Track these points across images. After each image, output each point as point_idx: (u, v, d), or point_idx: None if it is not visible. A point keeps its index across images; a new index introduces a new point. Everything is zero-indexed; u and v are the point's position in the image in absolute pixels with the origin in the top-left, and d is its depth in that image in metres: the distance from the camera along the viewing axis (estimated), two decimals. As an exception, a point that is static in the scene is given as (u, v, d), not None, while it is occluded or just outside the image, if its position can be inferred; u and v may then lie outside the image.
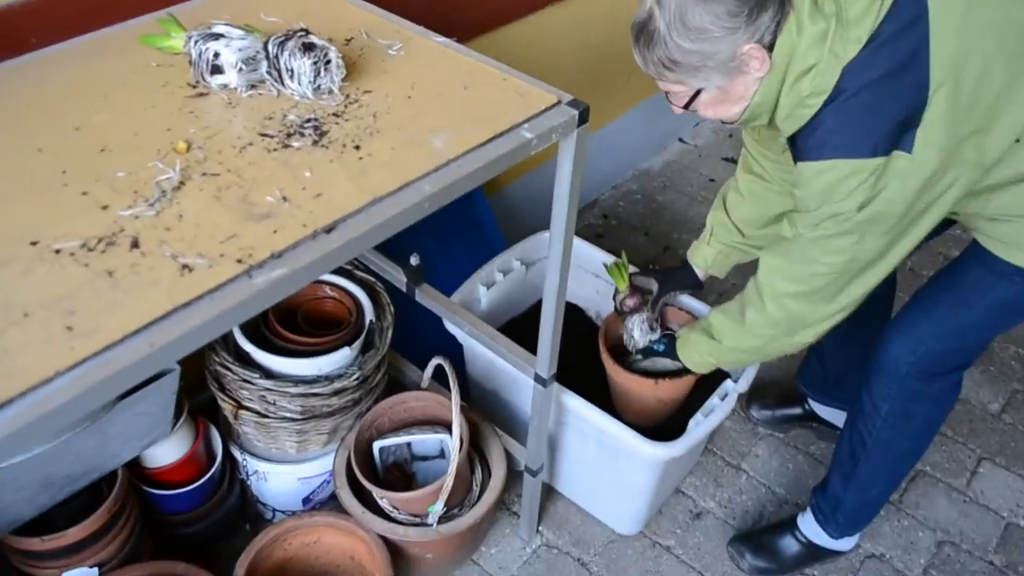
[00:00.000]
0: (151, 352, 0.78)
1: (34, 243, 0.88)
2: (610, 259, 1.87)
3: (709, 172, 2.95)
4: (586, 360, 1.86)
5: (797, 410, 2.11)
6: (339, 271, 1.72)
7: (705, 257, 1.75)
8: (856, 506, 1.71)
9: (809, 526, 1.79)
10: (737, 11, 1.14)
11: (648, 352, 1.73)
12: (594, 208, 2.79)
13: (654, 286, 1.78)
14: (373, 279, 1.72)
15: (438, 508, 1.54)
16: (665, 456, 1.61)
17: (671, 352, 1.66)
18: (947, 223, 1.48)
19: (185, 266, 0.86)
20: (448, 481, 1.50)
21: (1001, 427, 2.18)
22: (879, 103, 1.15)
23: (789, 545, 1.81)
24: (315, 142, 1.05)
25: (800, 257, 1.31)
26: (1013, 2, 1.19)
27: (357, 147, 1.04)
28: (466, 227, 2.13)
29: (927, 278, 1.54)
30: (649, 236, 2.68)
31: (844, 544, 1.81)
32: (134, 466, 1.55)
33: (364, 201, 0.95)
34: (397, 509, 1.59)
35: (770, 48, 1.17)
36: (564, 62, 2.32)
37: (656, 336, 1.73)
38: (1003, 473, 2.06)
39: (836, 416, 2.05)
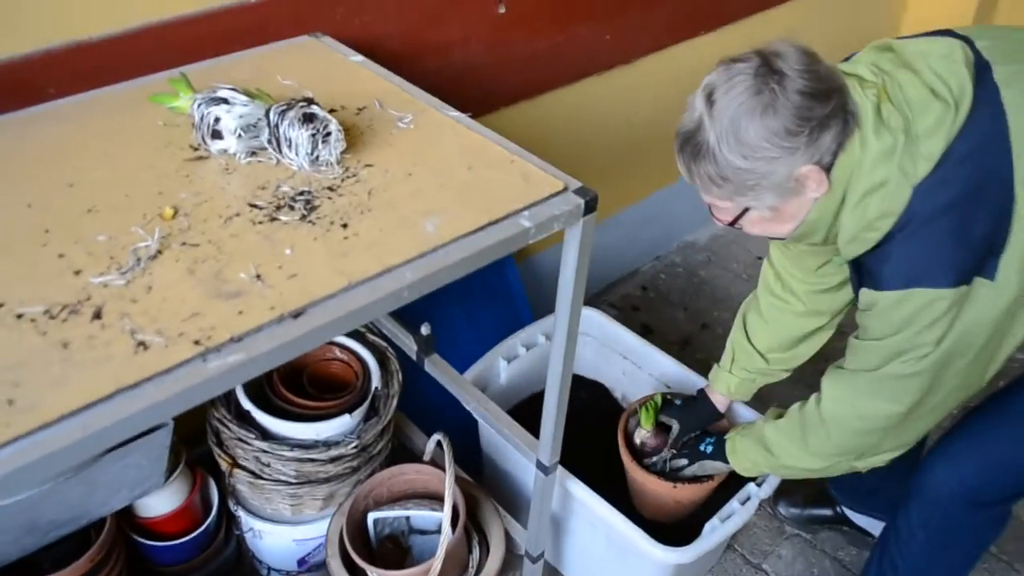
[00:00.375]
0: (83, 437, 0.75)
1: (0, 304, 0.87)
2: (648, 350, 1.79)
3: (757, 250, 2.86)
4: (609, 441, 1.78)
5: (828, 511, 1.98)
6: (351, 332, 1.68)
7: (728, 385, 1.66)
8: None
9: None
10: (797, 130, 1.05)
11: (694, 455, 1.63)
12: (635, 278, 2.72)
13: (675, 424, 1.69)
14: (385, 343, 1.69)
15: (426, 591, 1.47)
16: (675, 561, 1.51)
17: (719, 454, 1.58)
18: None
19: (141, 343, 0.83)
20: (436, 565, 1.44)
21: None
22: (960, 229, 1.06)
23: None
24: (303, 216, 1.02)
25: (870, 391, 1.22)
26: None
27: (344, 225, 1.01)
28: (493, 295, 2.08)
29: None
30: (688, 311, 2.59)
31: None
32: (126, 514, 1.53)
33: (339, 286, 0.92)
34: (386, 586, 1.53)
35: (828, 168, 1.09)
36: (608, 131, 2.28)
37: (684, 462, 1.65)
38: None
39: (870, 523, 1.92)
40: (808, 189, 1.11)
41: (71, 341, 0.83)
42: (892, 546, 1.51)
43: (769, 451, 1.44)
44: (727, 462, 1.55)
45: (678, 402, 1.71)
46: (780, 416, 1.45)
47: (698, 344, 2.47)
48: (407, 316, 1.68)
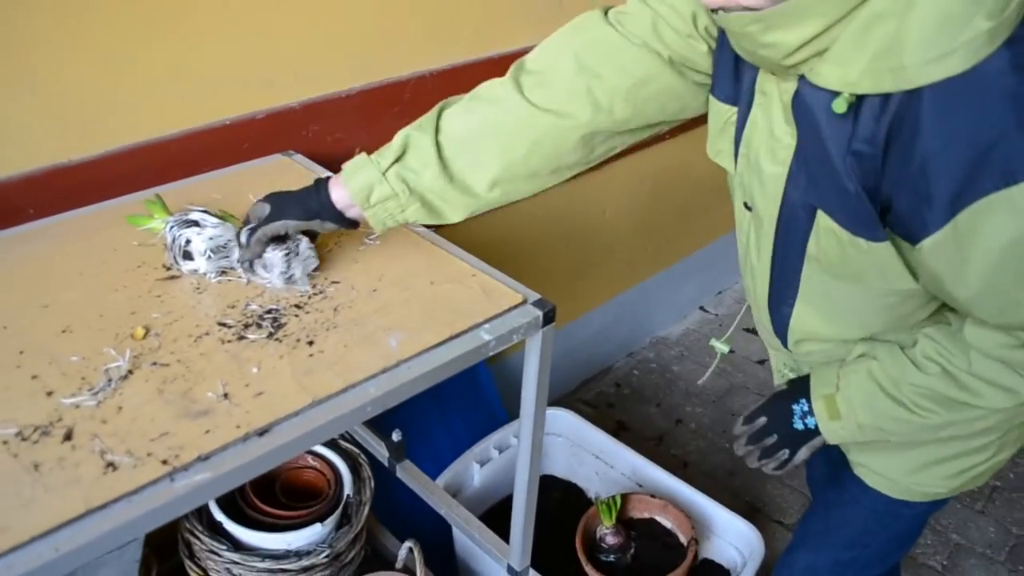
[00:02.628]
0: (55, 557, 0.77)
1: (-29, 429, 0.89)
2: (619, 449, 1.81)
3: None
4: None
5: None
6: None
7: (366, 188, 1.09)
8: None
9: None
10: None
11: (794, 437, 1.17)
12: (608, 375, 2.76)
13: (265, 211, 1.12)
14: (357, 450, 1.70)
15: None
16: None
17: (803, 389, 1.17)
18: None
19: (110, 464, 0.86)
20: (408, 676, 1.43)
21: None
22: None
23: None
24: (270, 334, 1.06)
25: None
26: None
27: (311, 343, 1.05)
28: (466, 397, 2.11)
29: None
30: (661, 408, 2.63)
31: None
32: (94, 634, 1.51)
33: (304, 403, 0.95)
34: None
35: None
36: (576, 232, 2.35)
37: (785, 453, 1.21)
38: None
39: None
40: None
41: (42, 463, 0.86)
42: None
43: (906, 407, 1.05)
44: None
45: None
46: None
47: (672, 440, 2.50)
48: (380, 421, 1.70)
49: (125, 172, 1.38)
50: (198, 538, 1.50)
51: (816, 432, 1.15)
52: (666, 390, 2.71)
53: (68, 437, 0.89)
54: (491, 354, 1.09)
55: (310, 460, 1.68)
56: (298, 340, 1.05)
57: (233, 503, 1.56)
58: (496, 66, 1.89)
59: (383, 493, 1.67)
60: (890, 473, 1.21)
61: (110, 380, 0.97)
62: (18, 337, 1.03)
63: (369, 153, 1.12)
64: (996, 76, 0.76)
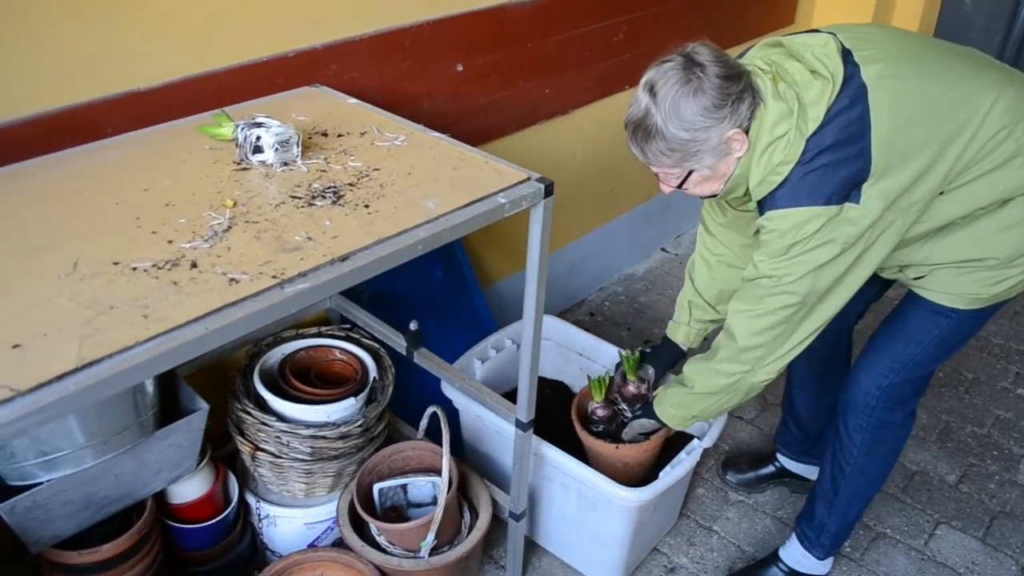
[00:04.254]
0: (206, 333, 1.04)
1: (116, 263, 1.15)
2: (600, 344, 2.13)
3: (688, 277, 3.24)
4: (571, 434, 2.07)
5: (770, 468, 2.33)
6: (347, 338, 1.98)
7: (687, 335, 1.99)
8: (838, 528, 1.95)
9: (792, 555, 2.01)
10: (721, 103, 1.39)
11: (627, 422, 1.94)
12: (582, 307, 3.06)
13: (651, 369, 1.99)
14: (377, 345, 1.98)
15: (429, 541, 1.73)
16: (637, 500, 1.80)
17: (649, 413, 1.87)
18: (886, 284, 1.79)
19: (232, 279, 1.13)
20: (438, 513, 1.70)
21: (958, 496, 2.36)
22: (832, 165, 1.41)
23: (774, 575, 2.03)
24: (334, 202, 1.34)
25: (764, 295, 1.52)
26: (928, 83, 1.46)
27: (367, 206, 1.33)
28: (463, 315, 2.39)
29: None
30: (631, 331, 2.94)
31: (823, 567, 2.02)
32: (160, 502, 1.76)
33: (371, 240, 1.23)
34: (393, 544, 1.78)
35: (747, 131, 1.44)
36: (550, 174, 2.63)
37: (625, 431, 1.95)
38: (958, 535, 2.23)
39: (807, 470, 2.28)
40: (734, 149, 1.45)
41: (179, 281, 1.12)
42: (838, 456, 1.86)
43: (685, 384, 1.74)
44: (657, 419, 1.84)
45: (648, 349, 2.01)
46: None
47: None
48: (393, 322, 1.99)
49: (185, 98, 1.64)
50: (249, 414, 1.77)
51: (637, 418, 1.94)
52: (635, 317, 3.02)
53: (194, 266, 1.16)
54: (506, 215, 1.38)
55: (338, 354, 1.96)
56: (356, 205, 1.33)
57: (276, 389, 1.83)
58: (484, 18, 2.19)
59: (398, 392, 1.94)
60: (943, 288, 1.63)
61: (215, 232, 1.24)
62: (131, 209, 1.29)
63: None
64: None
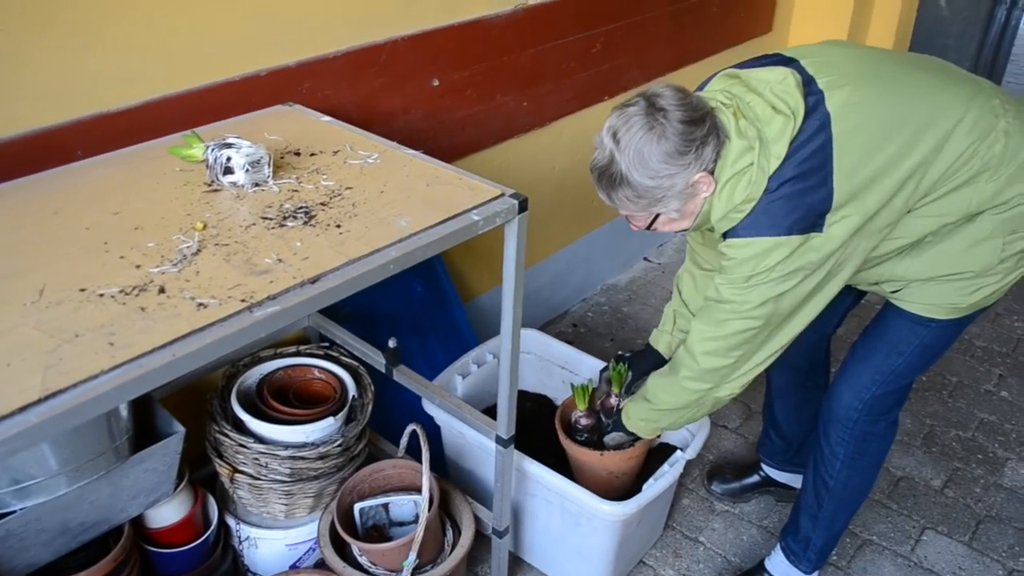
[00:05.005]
0: (173, 360, 1.02)
1: (82, 290, 1.14)
2: (582, 357, 2.12)
3: (671, 287, 3.23)
4: (555, 447, 2.07)
5: (755, 478, 2.32)
6: (326, 357, 1.96)
7: (669, 344, 1.97)
8: (824, 541, 1.94)
9: (778, 567, 2.01)
10: (685, 150, 1.39)
11: (605, 433, 1.94)
12: (565, 318, 3.06)
13: (628, 374, 1.97)
14: (356, 363, 1.96)
15: (411, 560, 1.72)
16: (620, 514, 1.79)
17: (620, 425, 1.88)
18: (859, 295, 1.79)
19: (201, 304, 1.12)
20: (418, 533, 1.69)
21: (943, 500, 2.36)
22: (795, 195, 1.41)
23: None
24: (305, 223, 1.33)
25: (724, 318, 1.53)
26: (894, 106, 1.45)
27: (339, 226, 1.32)
28: (444, 327, 2.38)
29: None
30: (615, 342, 2.93)
31: None
32: (138, 527, 1.74)
33: (342, 261, 1.22)
34: (375, 564, 1.77)
35: (712, 172, 1.44)
36: (528, 187, 2.64)
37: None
38: (944, 540, 2.23)
39: (792, 479, 2.27)
40: (701, 191, 1.45)
41: (146, 307, 1.11)
42: (820, 470, 1.86)
43: (648, 400, 1.74)
44: (627, 432, 1.86)
45: (628, 354, 2.01)
46: None
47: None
48: (372, 340, 1.98)
49: (157, 119, 1.63)
50: (227, 436, 1.75)
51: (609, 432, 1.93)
52: (618, 327, 3.01)
53: (162, 291, 1.15)
54: (479, 232, 1.37)
55: (316, 373, 1.95)
56: (328, 225, 1.32)
57: (254, 408, 1.82)
58: (459, 33, 2.19)
59: (377, 409, 1.92)
60: (922, 299, 1.62)
61: (184, 256, 1.23)
62: (100, 233, 1.28)
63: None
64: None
